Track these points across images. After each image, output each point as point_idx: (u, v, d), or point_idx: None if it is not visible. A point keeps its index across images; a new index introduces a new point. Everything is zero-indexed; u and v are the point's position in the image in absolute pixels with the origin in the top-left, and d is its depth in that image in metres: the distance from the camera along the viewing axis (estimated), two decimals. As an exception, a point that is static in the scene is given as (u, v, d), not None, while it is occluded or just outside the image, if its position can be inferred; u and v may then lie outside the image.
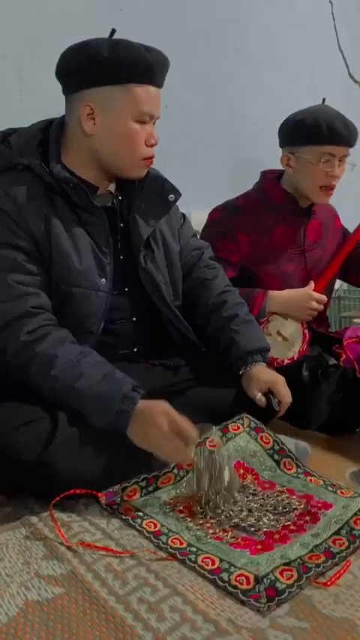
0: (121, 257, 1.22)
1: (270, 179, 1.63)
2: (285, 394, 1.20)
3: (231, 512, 0.98)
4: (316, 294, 1.54)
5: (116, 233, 1.21)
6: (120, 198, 1.23)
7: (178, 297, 1.31)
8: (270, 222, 1.59)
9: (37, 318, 1.07)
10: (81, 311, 1.14)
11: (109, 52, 1.05)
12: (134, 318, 1.26)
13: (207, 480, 0.99)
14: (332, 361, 1.52)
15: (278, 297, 1.52)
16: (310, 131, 1.48)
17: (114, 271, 1.18)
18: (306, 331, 1.53)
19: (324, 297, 1.56)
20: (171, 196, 1.26)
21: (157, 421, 0.97)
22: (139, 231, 1.22)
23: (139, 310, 1.26)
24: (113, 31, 1.10)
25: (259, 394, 1.20)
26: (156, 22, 2.01)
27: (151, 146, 1.14)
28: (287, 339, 1.52)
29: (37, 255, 1.10)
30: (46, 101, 1.82)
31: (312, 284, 1.56)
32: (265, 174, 1.66)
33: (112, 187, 1.23)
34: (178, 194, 1.27)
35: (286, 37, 2.50)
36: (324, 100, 1.59)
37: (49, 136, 1.15)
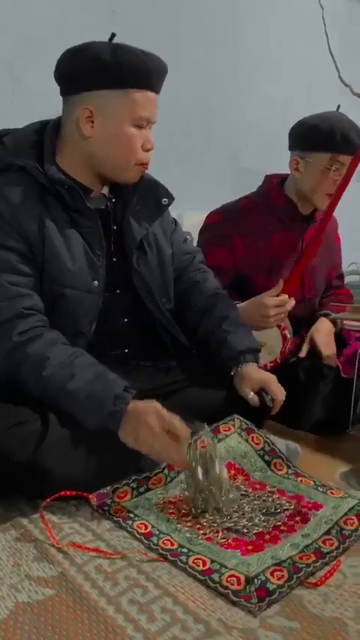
0: (114, 259, 1.22)
1: (273, 183, 1.62)
2: (278, 392, 1.20)
3: (225, 512, 0.98)
4: (271, 300, 1.39)
5: (109, 235, 1.21)
6: (114, 200, 1.23)
7: (170, 300, 1.31)
8: (269, 228, 1.58)
9: (29, 320, 1.07)
10: (73, 312, 1.14)
11: (111, 56, 1.05)
12: (126, 320, 1.26)
13: (201, 477, 0.99)
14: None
15: (238, 309, 1.43)
16: (324, 138, 1.46)
17: (106, 273, 1.18)
18: (285, 332, 1.50)
19: (283, 299, 1.40)
20: (164, 200, 1.26)
21: (148, 421, 0.97)
22: (132, 234, 1.22)
23: (131, 312, 1.26)
24: (113, 35, 1.10)
25: (252, 393, 1.20)
26: (149, 25, 2.02)
27: (147, 151, 1.15)
28: (264, 345, 1.51)
29: (30, 256, 1.10)
30: (39, 102, 1.82)
31: (276, 287, 1.43)
32: (269, 179, 1.65)
33: (105, 190, 1.23)
34: (171, 198, 1.27)
35: (280, 41, 2.52)
36: (338, 106, 1.56)
37: (44, 137, 1.15)
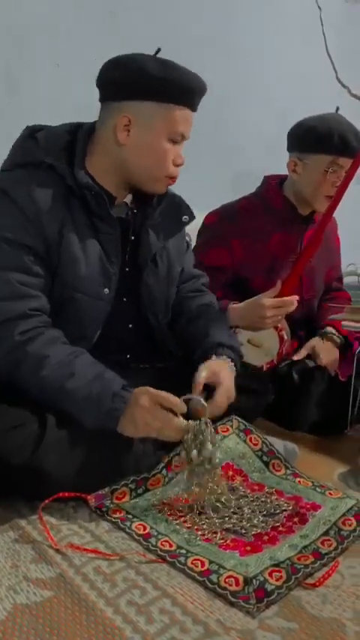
0: (127, 269, 1.22)
1: (272, 185, 1.62)
2: (220, 401, 1.10)
3: (223, 512, 0.98)
4: (269, 301, 1.38)
5: (126, 244, 1.21)
6: (135, 210, 1.23)
7: (168, 313, 1.32)
8: (267, 229, 1.58)
9: (32, 320, 1.07)
10: (80, 317, 1.14)
11: (158, 70, 1.07)
12: (130, 326, 1.26)
13: (195, 451, 0.99)
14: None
15: (235, 310, 1.45)
16: (322, 140, 1.46)
17: (117, 281, 1.18)
18: (283, 334, 1.50)
19: (281, 301, 1.40)
20: (185, 217, 1.27)
21: (140, 401, 0.98)
22: (149, 246, 1.22)
23: (135, 319, 1.26)
24: (158, 50, 1.12)
25: (199, 388, 1.10)
26: (146, 26, 2.02)
27: (177, 166, 1.16)
28: (260, 346, 1.51)
29: (46, 257, 1.10)
30: (35, 101, 1.82)
31: (274, 288, 1.42)
32: (268, 180, 1.65)
33: (128, 198, 1.23)
34: (192, 217, 1.29)
35: (278, 42, 2.52)
36: (337, 108, 1.56)
37: (76, 138, 1.15)
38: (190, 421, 1.00)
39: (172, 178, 1.17)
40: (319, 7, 2.68)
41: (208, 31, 2.27)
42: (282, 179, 1.63)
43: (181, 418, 1.00)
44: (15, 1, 1.78)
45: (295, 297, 1.42)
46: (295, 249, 1.60)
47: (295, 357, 1.54)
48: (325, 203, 1.51)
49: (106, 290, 1.16)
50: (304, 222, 1.61)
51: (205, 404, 1.03)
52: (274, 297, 1.40)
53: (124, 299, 1.22)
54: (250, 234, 1.57)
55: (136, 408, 0.98)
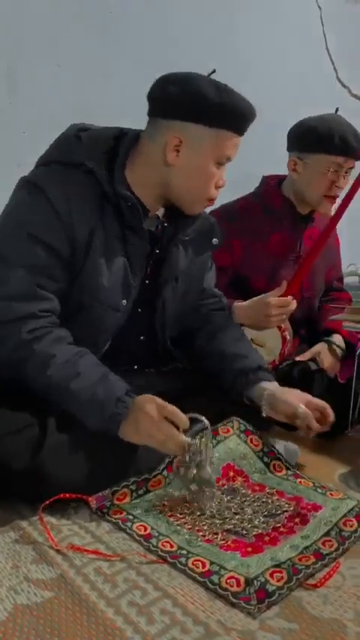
0: (147, 281, 1.21)
1: (270, 184, 1.62)
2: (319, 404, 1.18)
3: (224, 513, 0.98)
4: (274, 300, 1.41)
5: (150, 258, 1.20)
6: (165, 224, 1.22)
7: (175, 328, 1.31)
8: (267, 228, 1.58)
9: (41, 320, 1.05)
10: (94, 325, 1.14)
11: (215, 95, 1.06)
12: (141, 338, 1.26)
13: (194, 471, 0.99)
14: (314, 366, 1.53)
15: (240, 308, 1.46)
16: (322, 139, 1.47)
17: (136, 293, 1.17)
18: (285, 334, 1.51)
19: (286, 300, 1.43)
20: (215, 240, 1.28)
21: (146, 409, 0.97)
22: (176, 263, 1.22)
23: (147, 331, 1.26)
24: (213, 71, 1.12)
25: (303, 406, 1.15)
26: (146, 26, 2.02)
27: (219, 188, 1.16)
28: (263, 345, 1.51)
29: (70, 261, 1.08)
30: (35, 101, 1.82)
31: (280, 288, 1.45)
32: (266, 180, 1.65)
33: (160, 212, 1.22)
34: (221, 241, 1.29)
35: (278, 42, 2.52)
36: (337, 109, 1.57)
37: (119, 144, 1.14)
38: (191, 440, 0.99)
39: (211, 200, 1.17)
40: (319, 7, 2.68)
41: (208, 31, 2.27)
42: (280, 179, 1.64)
43: (182, 435, 0.99)
44: (15, 1, 1.78)
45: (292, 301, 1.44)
46: (294, 248, 1.61)
47: (299, 358, 1.54)
48: (324, 202, 1.52)
49: (124, 301, 1.15)
50: (303, 222, 1.62)
51: (208, 425, 1.02)
52: (279, 296, 1.41)
53: (139, 310, 1.21)
54: (250, 233, 1.57)
55: (142, 416, 0.97)
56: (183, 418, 0.98)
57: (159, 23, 2.09)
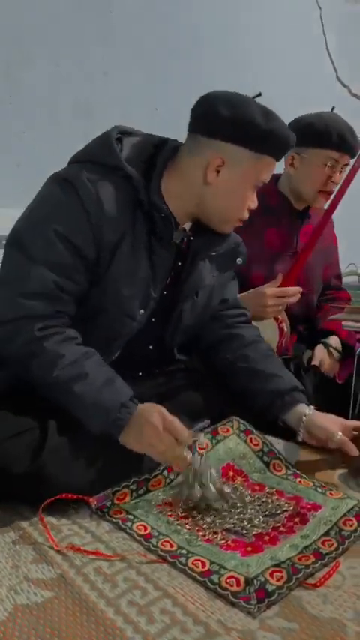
0: (165, 292, 1.20)
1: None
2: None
3: (224, 513, 0.98)
4: (271, 290, 1.45)
5: (173, 270, 1.19)
6: (191, 238, 1.20)
7: (184, 339, 1.30)
8: (263, 224, 1.59)
9: (54, 320, 1.04)
10: (109, 332, 1.13)
11: (262, 121, 1.06)
12: (150, 347, 1.25)
13: (198, 489, 0.99)
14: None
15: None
16: (321, 135, 1.51)
17: (154, 304, 1.16)
18: (283, 326, 1.51)
19: (282, 291, 1.46)
20: (239, 260, 1.28)
21: (152, 420, 0.97)
22: (199, 278, 1.21)
23: (157, 341, 1.25)
24: (259, 94, 1.13)
25: (340, 433, 1.15)
26: (146, 25, 2.02)
27: (250, 209, 1.16)
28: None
29: (94, 264, 1.06)
30: (35, 101, 1.83)
31: (276, 280, 1.48)
32: None
33: (187, 225, 1.20)
34: (245, 260, 1.29)
35: (278, 42, 2.52)
36: (333, 108, 1.61)
37: (158, 153, 1.13)
38: (193, 456, 0.99)
39: (242, 221, 1.17)
40: (319, 6, 2.68)
41: (208, 31, 2.27)
42: (276, 176, 1.65)
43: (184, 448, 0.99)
44: (15, 1, 1.78)
45: (299, 289, 1.45)
46: (291, 244, 1.63)
47: (314, 363, 1.57)
48: (319, 198, 1.55)
49: (142, 311, 1.14)
50: (299, 217, 1.64)
51: (210, 442, 1.02)
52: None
53: (153, 319, 1.20)
54: (246, 230, 1.58)
55: (147, 425, 0.97)
56: (185, 433, 0.98)
57: (158, 24, 2.09)
